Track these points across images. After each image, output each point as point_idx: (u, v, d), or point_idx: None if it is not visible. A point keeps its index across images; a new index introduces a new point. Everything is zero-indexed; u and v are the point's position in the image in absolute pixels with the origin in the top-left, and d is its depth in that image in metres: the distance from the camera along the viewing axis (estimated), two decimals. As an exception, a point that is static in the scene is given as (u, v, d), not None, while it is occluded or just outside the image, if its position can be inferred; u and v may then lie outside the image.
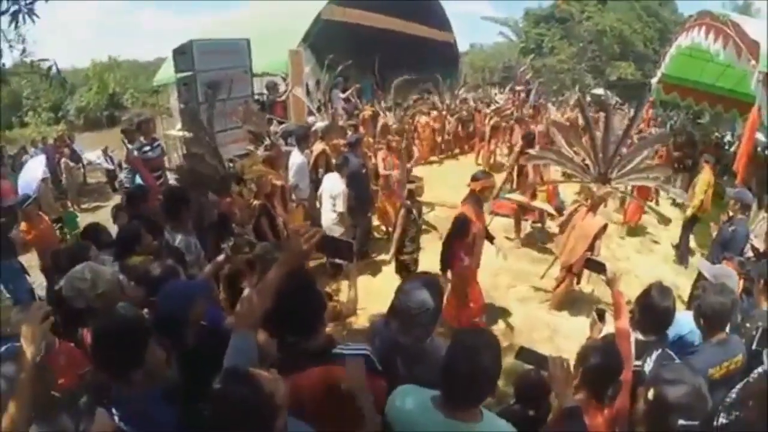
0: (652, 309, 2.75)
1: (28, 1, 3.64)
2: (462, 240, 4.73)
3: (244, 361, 1.85)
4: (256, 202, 5.15)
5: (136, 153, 6.19)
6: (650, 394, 1.90)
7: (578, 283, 5.86)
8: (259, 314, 1.98)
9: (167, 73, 9.34)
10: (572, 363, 2.27)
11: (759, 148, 11.38)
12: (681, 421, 1.77)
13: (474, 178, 4.87)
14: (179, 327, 2.42)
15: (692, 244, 8.13)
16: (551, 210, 7.72)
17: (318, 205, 6.51)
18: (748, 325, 3.19)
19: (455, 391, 1.83)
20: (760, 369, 2.29)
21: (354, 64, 13.07)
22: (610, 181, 5.53)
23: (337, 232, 5.98)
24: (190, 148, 4.44)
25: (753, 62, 6.14)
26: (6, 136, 21.60)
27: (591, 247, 5.37)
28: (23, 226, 5.74)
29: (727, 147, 13.77)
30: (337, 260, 3.15)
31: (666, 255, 8.17)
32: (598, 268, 3.10)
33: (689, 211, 7.35)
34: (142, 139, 6.30)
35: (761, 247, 5.36)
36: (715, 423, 2.39)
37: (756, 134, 6.92)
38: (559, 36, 30.09)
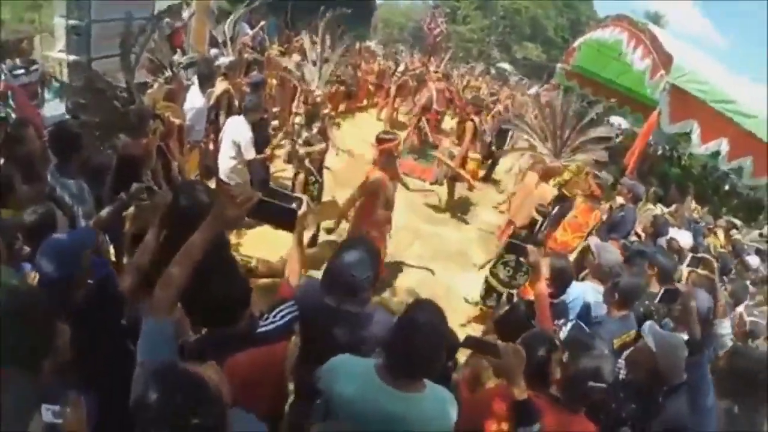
0: (562, 273, 3.25)
1: None
2: None
3: (166, 354, 1.58)
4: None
5: (5, 75, 5.22)
6: (564, 357, 2.12)
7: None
8: (179, 293, 1.69)
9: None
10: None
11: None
12: (590, 383, 2.01)
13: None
14: (67, 289, 2.07)
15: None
16: (471, 182, 7.96)
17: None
18: (636, 303, 3.55)
19: (405, 364, 1.84)
20: (642, 341, 2.70)
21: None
22: (560, 156, 5.83)
23: (234, 181, 5.61)
24: (93, 80, 3.52)
25: (662, 72, 6.52)
26: None
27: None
28: None
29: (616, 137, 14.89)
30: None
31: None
32: (520, 250, 3.21)
33: None
34: (17, 61, 5.33)
35: (643, 234, 6.08)
36: None
37: (650, 134, 7.50)
38: (474, 6, 30.32)
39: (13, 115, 4.93)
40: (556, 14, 31.24)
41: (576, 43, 12.19)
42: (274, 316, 2.03)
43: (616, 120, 12.73)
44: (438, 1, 32.53)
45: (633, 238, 6.02)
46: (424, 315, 1.83)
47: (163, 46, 5.42)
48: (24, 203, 2.75)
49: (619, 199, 6.43)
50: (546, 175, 5.85)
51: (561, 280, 3.26)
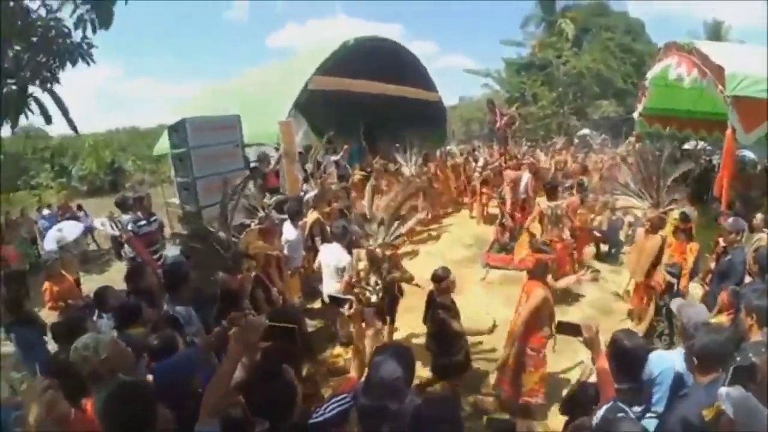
0: (623, 355, 2.76)
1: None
2: None
3: None
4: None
5: (129, 227, 6.36)
6: None
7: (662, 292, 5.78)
8: (221, 400, 2.21)
9: (167, 143, 9.67)
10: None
11: (746, 167, 11.49)
12: None
13: None
14: (180, 398, 2.54)
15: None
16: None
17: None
18: (738, 359, 2.96)
19: None
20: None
21: (342, 127, 13.43)
22: (660, 205, 5.83)
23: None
24: (200, 229, 4.52)
25: (720, 87, 6.40)
26: (10, 198, 19.78)
27: (657, 262, 5.65)
28: (45, 285, 5.99)
29: (716, 169, 13.75)
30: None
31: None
32: (572, 330, 2.93)
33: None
34: (139, 213, 6.46)
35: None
36: None
37: (733, 157, 7.03)
38: (539, 83, 30.73)
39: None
40: (619, 64, 30.56)
41: (644, 89, 11.88)
42: (325, 409, 2.43)
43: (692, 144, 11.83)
44: (505, 86, 33.25)
45: (749, 278, 5.37)
46: (434, 410, 2.14)
47: (256, 192, 6.32)
48: (148, 323, 3.65)
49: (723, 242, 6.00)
50: (652, 228, 5.78)
51: (624, 361, 2.75)
